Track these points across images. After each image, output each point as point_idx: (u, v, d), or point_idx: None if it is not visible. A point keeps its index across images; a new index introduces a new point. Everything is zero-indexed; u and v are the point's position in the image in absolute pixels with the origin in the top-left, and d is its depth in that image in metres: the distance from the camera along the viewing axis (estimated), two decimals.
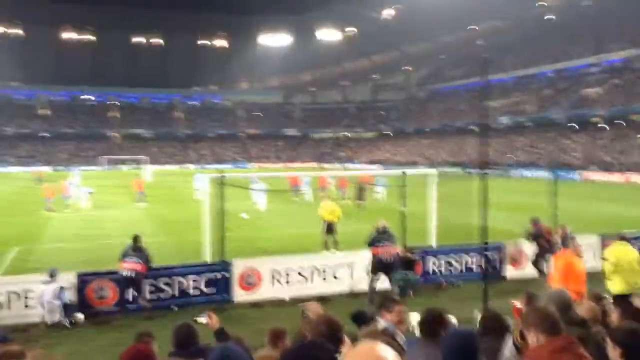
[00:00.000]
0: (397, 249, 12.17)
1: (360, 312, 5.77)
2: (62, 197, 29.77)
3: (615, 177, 51.43)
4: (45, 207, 28.21)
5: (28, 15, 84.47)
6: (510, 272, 14.20)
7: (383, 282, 11.92)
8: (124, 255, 11.22)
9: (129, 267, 11.01)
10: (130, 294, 11.15)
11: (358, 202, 29.03)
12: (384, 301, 5.45)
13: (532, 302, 5.75)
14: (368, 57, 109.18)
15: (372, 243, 12.06)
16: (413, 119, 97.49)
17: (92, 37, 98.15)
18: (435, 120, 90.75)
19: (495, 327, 4.77)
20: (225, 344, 2.41)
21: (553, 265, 9.34)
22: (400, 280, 12.52)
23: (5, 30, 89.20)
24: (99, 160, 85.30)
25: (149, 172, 55.90)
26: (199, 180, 33.62)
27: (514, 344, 3.98)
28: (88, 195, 29.92)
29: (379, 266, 11.93)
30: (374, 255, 11.96)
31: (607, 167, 54.82)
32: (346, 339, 4.23)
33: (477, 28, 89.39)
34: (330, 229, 17.04)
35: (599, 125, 63.31)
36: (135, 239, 11.50)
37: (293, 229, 22.49)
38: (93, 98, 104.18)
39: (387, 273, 11.97)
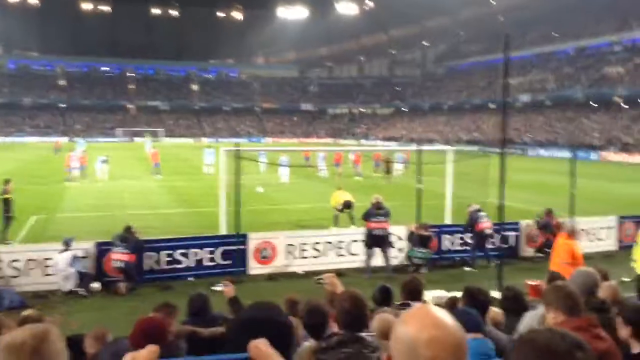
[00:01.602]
0: (389, 224, 12.32)
1: (386, 288, 5.70)
2: (80, 168, 29.96)
3: (635, 158, 50.69)
4: (65, 177, 28.49)
5: None
6: (526, 251, 14.12)
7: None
8: (113, 245, 11.19)
9: (117, 258, 11.02)
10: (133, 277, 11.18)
11: (386, 176, 29.65)
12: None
13: (553, 281, 5.70)
14: (386, 32, 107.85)
15: (366, 218, 12.28)
16: (429, 95, 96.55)
17: (109, 8, 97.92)
18: (451, 97, 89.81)
19: (515, 306, 4.76)
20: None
21: (555, 254, 9.33)
22: (417, 257, 12.55)
23: (24, 0, 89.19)
24: (116, 131, 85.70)
25: (149, 144, 55.16)
26: (208, 154, 33.74)
27: None
28: (104, 166, 30.01)
29: (373, 241, 12.15)
30: (368, 230, 12.21)
31: (626, 148, 54.01)
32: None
33: (495, 3, 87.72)
34: (348, 205, 16.93)
35: (620, 104, 62.24)
36: (126, 229, 11.52)
37: (308, 203, 22.50)
38: (109, 69, 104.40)
39: (381, 247, 12.20)
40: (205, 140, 77.02)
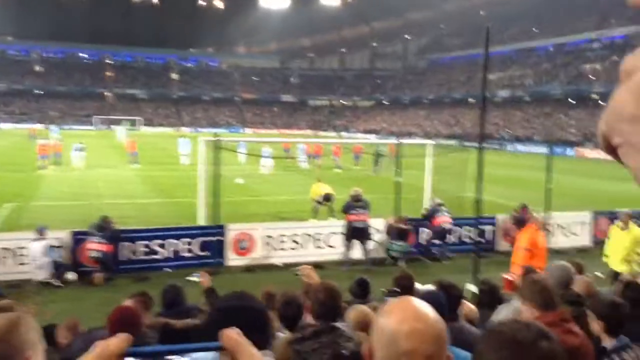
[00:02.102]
0: (368, 217, 12.38)
1: (364, 281, 5.72)
2: (54, 156, 29.52)
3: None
4: (38, 165, 28.03)
5: None
6: (502, 245, 14.28)
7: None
8: (89, 235, 11.04)
9: (93, 248, 10.89)
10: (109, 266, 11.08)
11: (375, 169, 29.82)
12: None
13: (528, 275, 5.78)
14: (368, 24, 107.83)
15: (346, 210, 12.31)
16: (410, 89, 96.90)
17: None
18: (432, 91, 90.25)
19: (490, 300, 4.81)
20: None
21: (518, 241, 9.49)
22: (395, 251, 12.62)
23: None
24: (93, 119, 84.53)
25: (122, 133, 54.52)
26: (183, 144, 33.41)
27: None
28: (80, 154, 29.60)
29: (353, 233, 12.23)
30: (348, 222, 12.26)
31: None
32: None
33: None
34: (327, 198, 16.92)
35: (597, 101, 63.14)
36: (103, 218, 11.35)
37: (288, 195, 22.48)
38: (87, 56, 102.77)
39: (361, 240, 12.29)
40: (184, 130, 76.36)
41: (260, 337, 2.04)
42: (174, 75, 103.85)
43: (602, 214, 15.33)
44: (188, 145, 32.75)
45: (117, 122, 77.78)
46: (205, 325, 2.27)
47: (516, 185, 26.16)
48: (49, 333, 4.52)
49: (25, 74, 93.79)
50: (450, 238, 13.67)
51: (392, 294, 4.54)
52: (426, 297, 3.54)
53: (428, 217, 13.43)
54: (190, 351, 1.19)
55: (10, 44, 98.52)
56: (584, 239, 15.01)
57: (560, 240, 14.52)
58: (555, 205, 14.62)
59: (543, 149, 36.79)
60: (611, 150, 0.53)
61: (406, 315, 1.39)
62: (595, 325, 3.58)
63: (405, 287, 5.27)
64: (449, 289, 4.56)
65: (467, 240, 13.79)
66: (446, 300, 3.90)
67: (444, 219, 13.27)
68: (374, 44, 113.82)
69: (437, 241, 13.48)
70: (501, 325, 1.61)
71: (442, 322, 1.41)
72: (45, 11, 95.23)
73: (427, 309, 1.43)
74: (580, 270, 5.55)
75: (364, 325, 3.66)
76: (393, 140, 18.57)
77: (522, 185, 26.12)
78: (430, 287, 7.66)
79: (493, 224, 14.25)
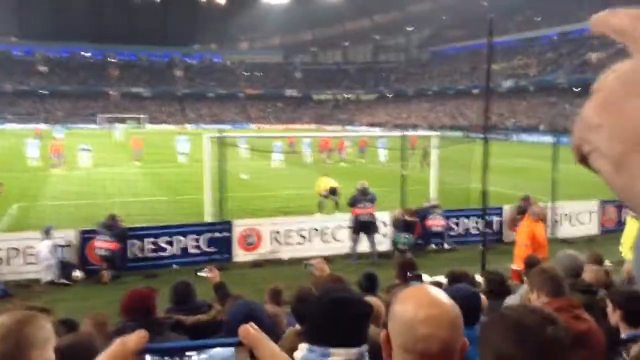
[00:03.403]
0: (374, 210, 12.36)
1: (372, 275, 5.71)
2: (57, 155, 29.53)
3: None
4: (52, 163, 28.22)
5: None
6: (510, 236, 14.24)
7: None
8: (96, 233, 11.10)
9: (101, 246, 10.93)
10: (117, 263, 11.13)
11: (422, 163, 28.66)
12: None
13: (532, 266, 5.76)
14: (370, 17, 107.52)
15: (352, 204, 12.32)
16: (413, 81, 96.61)
17: None
18: (435, 83, 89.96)
19: (499, 290, 4.80)
20: (246, 300, 2.41)
21: (518, 232, 9.46)
22: (401, 243, 12.61)
23: None
24: (98, 118, 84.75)
25: (120, 132, 54.70)
26: (181, 142, 33.10)
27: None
28: (87, 153, 29.71)
29: (359, 226, 12.23)
30: (355, 216, 12.26)
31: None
32: None
33: None
34: (333, 192, 16.90)
35: None
36: (110, 217, 11.41)
37: (293, 190, 22.48)
38: (91, 55, 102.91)
39: (367, 233, 12.27)
40: (188, 127, 76.38)
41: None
42: (178, 73, 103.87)
43: (610, 203, 15.25)
44: (186, 144, 32.56)
45: (122, 121, 77.93)
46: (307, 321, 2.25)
47: (523, 176, 26.07)
48: (72, 326, 4.54)
49: (29, 75, 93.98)
50: (456, 229, 13.60)
51: (414, 279, 4.52)
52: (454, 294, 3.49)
53: (421, 219, 13.34)
54: (208, 347, 1.20)
55: (14, 45, 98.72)
56: (591, 228, 14.96)
57: (567, 230, 14.49)
58: (562, 195, 14.58)
59: (549, 139, 36.65)
60: (584, 160, 0.58)
61: (422, 302, 1.43)
62: (614, 316, 3.56)
63: (408, 273, 5.26)
64: (461, 278, 4.55)
65: (474, 231, 13.76)
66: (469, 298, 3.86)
67: (436, 222, 13.23)
68: (377, 37, 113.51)
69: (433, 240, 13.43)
70: (507, 310, 1.62)
71: (457, 308, 1.44)
72: (48, 11, 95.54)
73: (441, 295, 1.46)
74: (598, 261, 5.46)
75: (373, 318, 3.65)
76: (397, 133, 18.48)
77: (529, 175, 26.03)
78: (440, 278, 7.65)
79: (500, 215, 14.22)
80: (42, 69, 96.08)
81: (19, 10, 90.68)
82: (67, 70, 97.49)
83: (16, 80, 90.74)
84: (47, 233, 10.75)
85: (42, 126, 66.24)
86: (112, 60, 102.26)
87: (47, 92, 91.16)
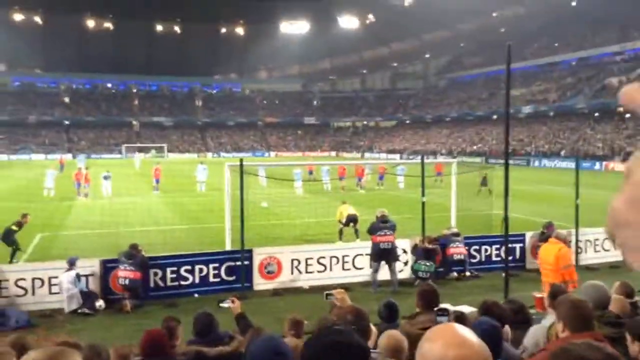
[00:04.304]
0: (394, 237, 12.23)
1: (392, 304, 5.66)
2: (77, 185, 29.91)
3: None
4: (78, 193, 28.96)
5: (49, 3, 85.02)
6: (532, 263, 14.06)
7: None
8: (118, 262, 11.23)
9: (123, 275, 11.03)
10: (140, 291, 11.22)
11: (481, 188, 27.94)
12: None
13: (556, 295, 5.66)
14: (387, 45, 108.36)
15: (372, 232, 12.20)
16: (432, 107, 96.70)
17: (112, 25, 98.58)
18: (454, 109, 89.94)
19: (520, 319, 4.73)
20: (270, 335, 2.40)
21: (543, 260, 9.27)
22: (422, 271, 12.52)
23: (27, 17, 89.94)
24: (122, 148, 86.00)
25: (138, 160, 56.54)
26: (200, 171, 33.32)
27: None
28: (107, 183, 30.07)
29: (379, 254, 12.11)
30: (374, 244, 12.17)
31: (630, 157, 53.73)
32: (373, 330, 4.21)
33: (496, 15, 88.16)
34: (353, 219, 16.90)
35: (623, 114, 62.21)
36: (132, 246, 11.57)
37: (313, 218, 22.49)
38: (113, 86, 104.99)
39: (387, 261, 12.17)
40: (209, 156, 77.18)
41: None
42: (198, 102, 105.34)
43: None
44: (205, 172, 32.84)
45: (146, 150, 79.01)
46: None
47: (545, 202, 25.79)
48: (99, 353, 4.58)
49: (54, 106, 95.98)
50: (477, 256, 13.48)
51: (441, 314, 4.45)
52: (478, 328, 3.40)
53: (441, 246, 13.26)
54: None
55: (39, 77, 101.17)
56: (615, 254, 14.68)
57: (591, 257, 14.26)
58: (585, 221, 14.38)
59: (570, 164, 36.33)
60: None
61: (451, 341, 1.41)
62: (633, 347, 3.49)
63: (430, 302, 5.18)
64: (495, 310, 4.46)
65: (496, 258, 13.62)
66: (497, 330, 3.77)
67: (457, 250, 13.16)
68: (394, 64, 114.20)
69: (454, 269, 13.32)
70: (570, 345, 1.60)
71: (487, 348, 1.42)
72: (72, 43, 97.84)
73: (471, 335, 1.44)
74: (628, 294, 5.07)
75: (396, 352, 3.63)
76: (417, 160, 18.48)
77: (550, 201, 25.76)
78: (463, 307, 7.55)
79: (522, 242, 14.06)
80: (66, 99, 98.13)
81: (44, 43, 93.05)
82: (90, 101, 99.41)
83: (40, 111, 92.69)
84: (71, 264, 10.88)
85: (66, 156, 67.51)
86: (134, 91, 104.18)
87: (70, 122, 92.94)
